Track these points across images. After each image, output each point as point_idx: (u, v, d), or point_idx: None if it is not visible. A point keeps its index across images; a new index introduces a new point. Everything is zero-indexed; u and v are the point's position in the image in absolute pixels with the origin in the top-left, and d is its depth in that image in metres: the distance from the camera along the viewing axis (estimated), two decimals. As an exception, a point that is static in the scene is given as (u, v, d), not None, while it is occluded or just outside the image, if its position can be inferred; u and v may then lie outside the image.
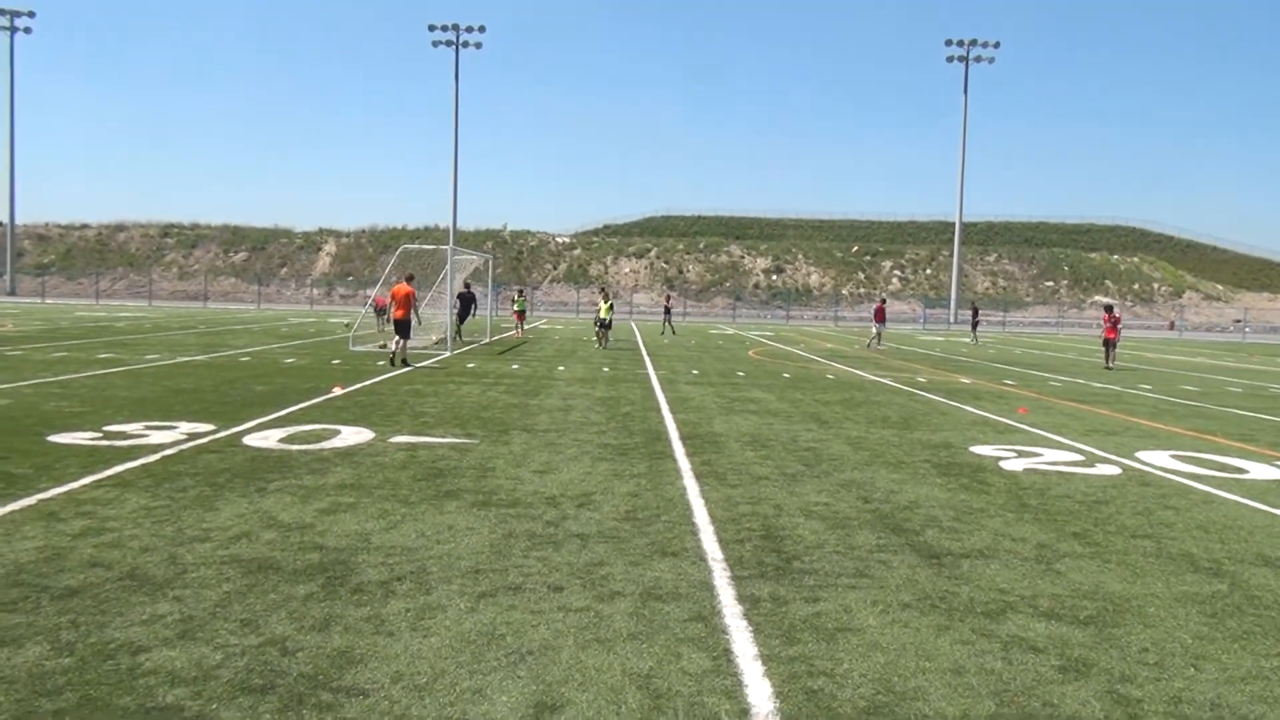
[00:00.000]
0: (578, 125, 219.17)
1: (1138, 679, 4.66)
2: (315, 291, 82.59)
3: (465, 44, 73.01)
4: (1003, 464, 10.63)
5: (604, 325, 30.63)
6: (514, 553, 6.48)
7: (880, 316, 37.19)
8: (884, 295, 53.10)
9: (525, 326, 37.32)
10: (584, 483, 8.88)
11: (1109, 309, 29.31)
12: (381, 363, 21.23)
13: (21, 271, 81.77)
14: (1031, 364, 29.32)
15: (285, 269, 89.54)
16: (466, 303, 31.60)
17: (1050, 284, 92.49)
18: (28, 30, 74.42)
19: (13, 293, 76.47)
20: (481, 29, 72.73)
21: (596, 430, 12.18)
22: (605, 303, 31.14)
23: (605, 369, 22.00)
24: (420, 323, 25.53)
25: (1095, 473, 10.30)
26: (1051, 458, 11.18)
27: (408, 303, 21.00)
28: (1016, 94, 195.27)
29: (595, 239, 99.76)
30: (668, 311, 44.67)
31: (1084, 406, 17.13)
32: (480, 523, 7.26)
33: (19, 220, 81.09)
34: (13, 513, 7.08)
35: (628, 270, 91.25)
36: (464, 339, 31.01)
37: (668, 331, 42.26)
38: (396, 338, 20.95)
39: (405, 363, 20.82)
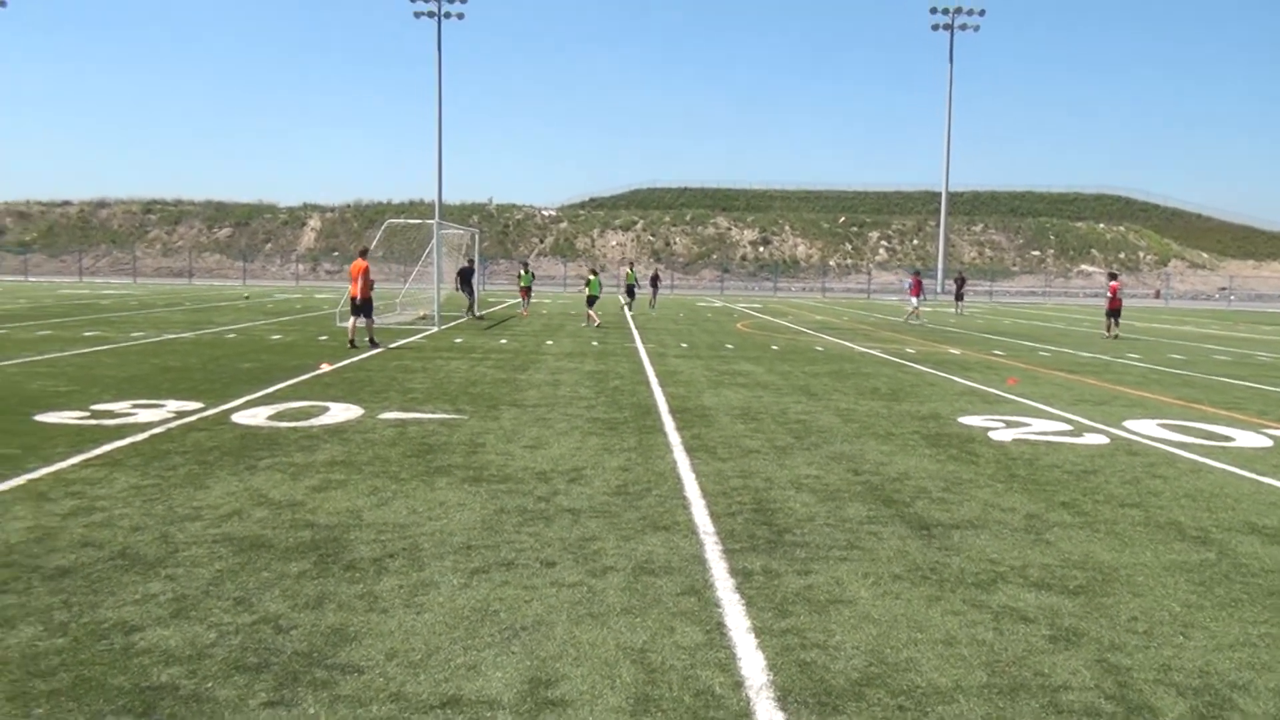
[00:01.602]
0: (563, 98, 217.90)
1: (1127, 648, 4.70)
2: (300, 267, 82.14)
3: (447, 15, 72.34)
4: (992, 434, 10.67)
5: (594, 300, 29.56)
6: (506, 528, 6.48)
7: (917, 290, 35.83)
8: (918, 268, 50.66)
9: (530, 303, 35.60)
10: (574, 458, 8.88)
11: (1114, 276, 29.06)
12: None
13: (3, 249, 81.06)
14: (1019, 334, 29.42)
15: (270, 245, 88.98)
16: (467, 277, 30.90)
17: (1037, 253, 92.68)
18: (3, 4, 73.30)
19: (-5, 271, 75.80)
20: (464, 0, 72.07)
21: (586, 405, 12.17)
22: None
23: (594, 343, 21.97)
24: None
25: (1083, 442, 10.35)
26: (1040, 428, 11.23)
27: (364, 279, 19.07)
28: (1002, 62, 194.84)
29: (582, 212, 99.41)
30: (655, 283, 43.76)
31: (1072, 376, 17.20)
32: (471, 499, 7.26)
33: None
34: (1, 493, 7.04)
35: (615, 243, 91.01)
36: (477, 315, 30.22)
37: (644, 304, 40.43)
38: (352, 318, 19.39)
39: (374, 343, 19.33)
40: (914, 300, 35.65)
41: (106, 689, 3.97)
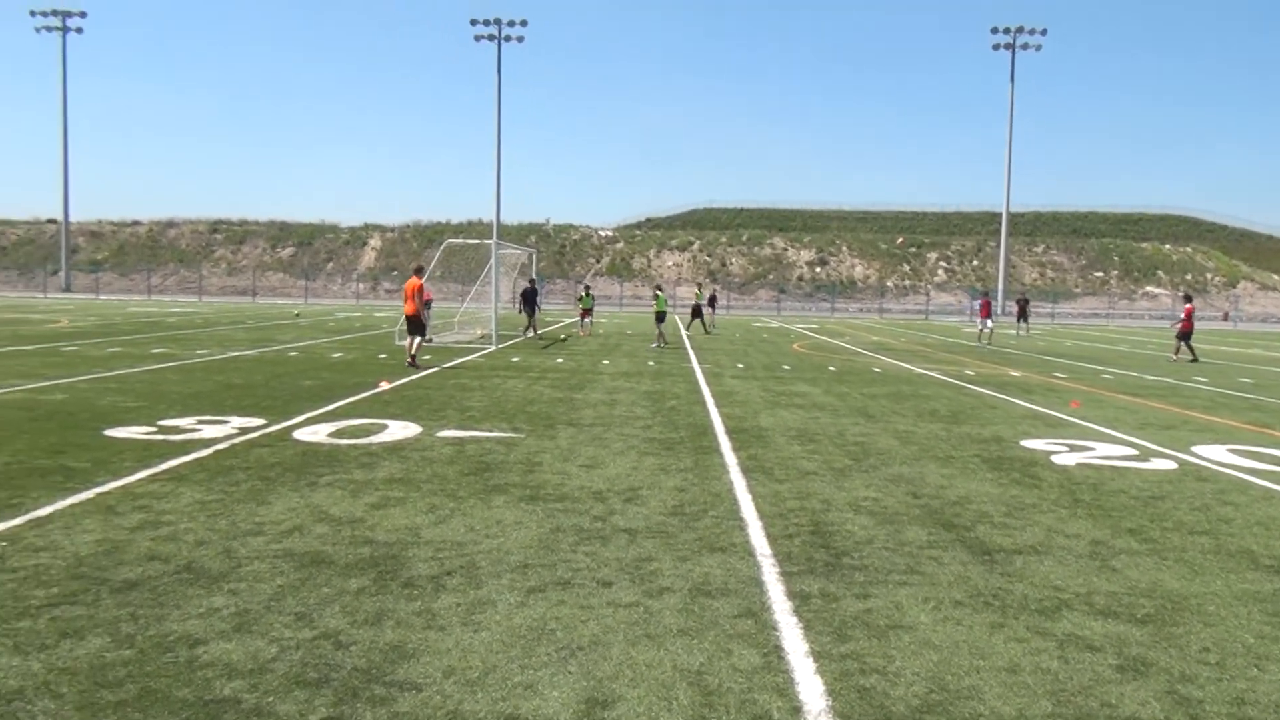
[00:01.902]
0: (620, 118, 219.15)
1: (1199, 679, 4.57)
2: (361, 286, 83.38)
3: (507, 38, 73.26)
4: (1055, 458, 10.47)
5: (663, 317, 29.08)
6: (562, 547, 6.49)
7: (986, 311, 34.46)
8: (987, 289, 48.17)
9: (589, 324, 34.33)
10: (631, 477, 8.88)
11: (1189, 299, 28.23)
12: (428, 356, 21.38)
13: (76, 268, 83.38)
14: (1082, 356, 28.89)
15: (331, 264, 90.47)
16: (530, 298, 30.58)
17: (1100, 274, 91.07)
18: (79, 30, 75.72)
19: (68, 289, 78.02)
20: (523, 23, 72.95)
21: (642, 424, 12.17)
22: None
23: (650, 363, 21.99)
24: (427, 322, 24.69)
25: (1150, 467, 10.12)
26: (1105, 452, 11.00)
27: (417, 297, 19.26)
28: (1064, 81, 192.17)
29: (638, 232, 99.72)
30: (712, 304, 42.71)
31: (1138, 400, 16.84)
32: (528, 517, 7.28)
33: (73, 218, 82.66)
34: (72, 506, 7.22)
35: (670, 263, 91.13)
36: (536, 334, 30.21)
37: (701, 326, 38.80)
38: (411, 337, 19.33)
39: (413, 362, 18.97)
40: (984, 322, 34.51)
41: (171, 701, 4.04)
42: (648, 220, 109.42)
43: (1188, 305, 27.55)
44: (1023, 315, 44.69)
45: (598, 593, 5.57)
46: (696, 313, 36.01)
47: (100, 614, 5.00)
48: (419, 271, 20.15)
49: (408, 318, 19.50)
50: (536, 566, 6.04)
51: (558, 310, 59.34)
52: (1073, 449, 11.14)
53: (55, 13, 74.62)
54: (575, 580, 5.79)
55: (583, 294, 34.69)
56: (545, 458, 9.73)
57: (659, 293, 29.10)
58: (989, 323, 34.41)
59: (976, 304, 36.53)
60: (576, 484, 8.52)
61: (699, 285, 36.56)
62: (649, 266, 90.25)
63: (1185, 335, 27.24)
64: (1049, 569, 6.33)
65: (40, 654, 4.47)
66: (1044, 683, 4.48)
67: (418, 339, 19.43)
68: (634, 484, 8.58)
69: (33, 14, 74.36)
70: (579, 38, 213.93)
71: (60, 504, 7.27)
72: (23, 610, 5.02)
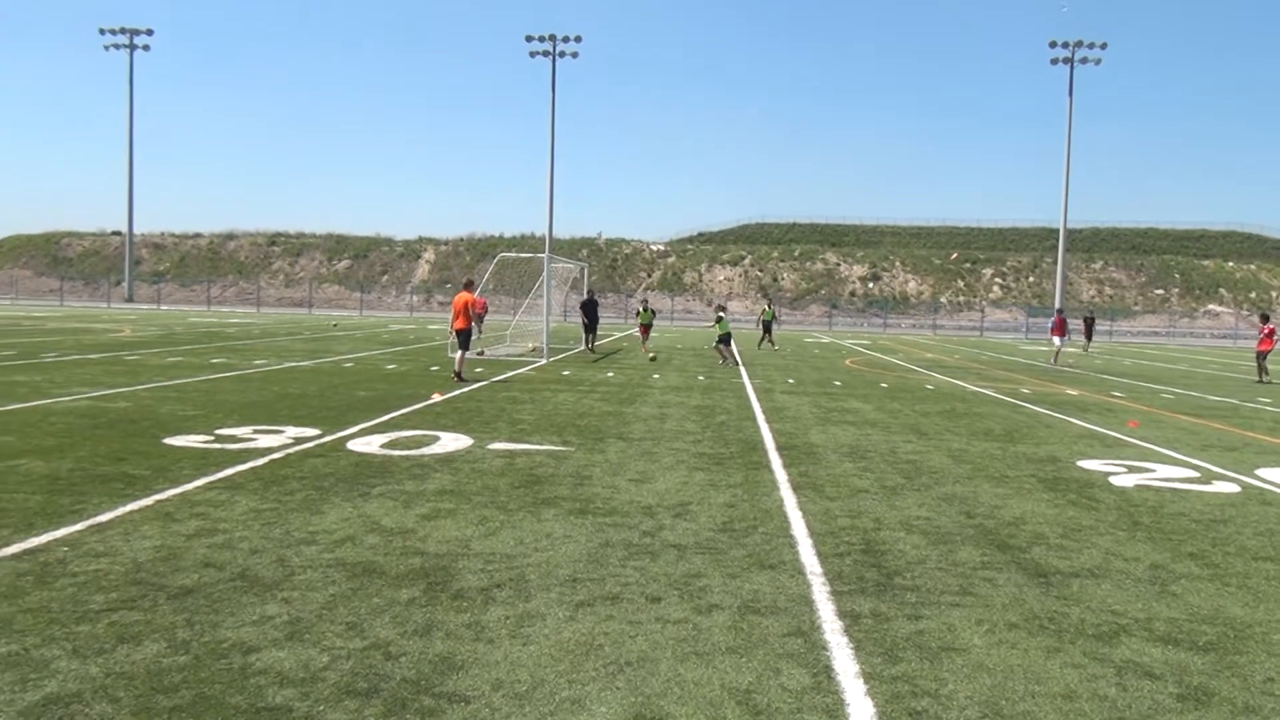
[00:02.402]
0: (672, 133, 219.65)
1: (1263, 710, 4.44)
2: (415, 298, 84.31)
3: (562, 54, 73.75)
4: (1112, 479, 10.27)
5: (728, 338, 27.47)
6: (611, 562, 6.48)
7: (1059, 329, 32.65)
8: (1060, 306, 45.27)
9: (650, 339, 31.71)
10: (680, 492, 8.85)
11: (1265, 318, 27.33)
12: (480, 369, 21.54)
13: (139, 279, 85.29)
14: (1141, 375, 28.34)
15: (386, 276, 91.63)
16: (591, 312, 29.90)
17: (1160, 292, 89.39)
18: (145, 48, 77.59)
19: (131, 299, 79.83)
20: (578, 39, 73.41)
21: (692, 439, 12.14)
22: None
23: (700, 378, 21.95)
24: (480, 333, 24.74)
25: (1212, 490, 9.88)
26: (1165, 474, 10.76)
27: (468, 312, 19.36)
28: (1124, 95, 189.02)
29: (689, 246, 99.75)
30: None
31: (1199, 420, 16.47)
32: (577, 531, 7.29)
33: (136, 230, 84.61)
34: (132, 512, 7.36)
35: (722, 278, 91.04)
36: (593, 350, 29.68)
37: (769, 342, 38.15)
38: (460, 351, 19.37)
39: (460, 377, 18.94)
40: (1056, 340, 32.87)
41: (224, 708, 4.09)
42: (699, 235, 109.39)
43: (1267, 325, 26.63)
44: (1089, 333, 43.82)
45: (646, 608, 5.55)
46: (767, 329, 36.15)
47: (157, 620, 5.09)
48: (469, 286, 20.14)
49: (457, 332, 19.42)
50: (585, 580, 6.04)
51: (607, 323, 59.46)
52: (1131, 470, 10.92)
53: (123, 30, 76.57)
54: (624, 595, 5.78)
55: (640, 308, 31.42)
56: (595, 471, 9.74)
57: (722, 315, 27.55)
58: (1059, 340, 32.79)
59: (1050, 322, 34.52)
60: (626, 498, 8.51)
61: (768, 302, 36.17)
62: (700, 281, 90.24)
63: (1263, 355, 26.64)
64: (1107, 593, 6.20)
65: (98, 658, 4.55)
66: (1101, 710, 4.38)
67: (463, 354, 19.39)
68: (684, 499, 8.56)
69: (101, 32, 76.46)
70: (632, 52, 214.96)
71: (120, 510, 7.41)
72: (82, 614, 5.12)
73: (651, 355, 28.50)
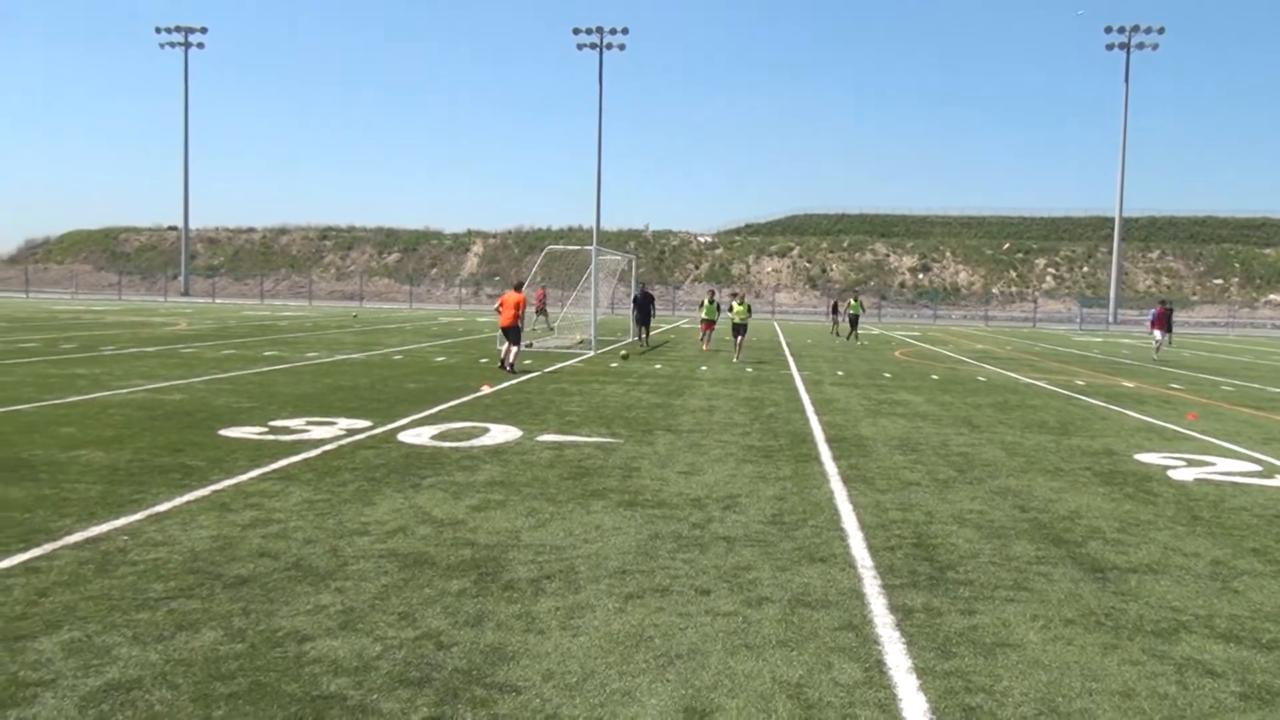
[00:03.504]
0: (719, 124, 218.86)
1: (1330, 710, 4.32)
2: (464, 291, 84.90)
3: (609, 46, 73.74)
4: (1171, 473, 10.07)
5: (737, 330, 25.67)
6: (660, 554, 6.48)
7: (1160, 323, 30.01)
8: (1164, 298, 41.40)
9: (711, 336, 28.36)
10: (729, 485, 8.83)
11: None
12: (529, 361, 21.65)
13: (194, 273, 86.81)
14: (1199, 367, 27.77)
15: (435, 269, 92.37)
16: (645, 305, 29.31)
17: (1219, 282, 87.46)
18: (200, 46, 78.78)
19: (186, 293, 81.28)
20: (624, 31, 73.33)
21: (741, 431, 12.10)
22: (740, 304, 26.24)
23: (748, 370, 21.87)
24: (550, 325, 25.34)
25: (1275, 485, 9.66)
26: (1225, 467, 10.53)
27: (517, 309, 20.05)
28: (1182, 81, 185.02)
29: (737, 238, 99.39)
30: (835, 310, 44.09)
31: (1260, 413, 16.10)
32: (626, 523, 7.29)
33: (192, 225, 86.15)
34: (189, 503, 7.49)
35: (770, 269, 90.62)
36: (645, 344, 29.15)
37: (844, 335, 37.69)
38: (507, 344, 19.98)
39: (510, 368, 19.66)
40: (1157, 334, 30.22)
41: (280, 695, 4.14)
42: (747, 226, 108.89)
43: None
44: (1168, 325, 42.41)
45: (696, 600, 5.54)
46: (854, 323, 36.05)
47: (214, 608, 5.17)
48: (519, 286, 20.90)
49: (504, 329, 20.03)
50: (635, 572, 6.04)
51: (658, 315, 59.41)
52: (1190, 464, 10.70)
53: (178, 29, 77.82)
54: (674, 587, 5.77)
55: (705, 300, 28.66)
56: (643, 463, 9.74)
57: (738, 304, 26.04)
58: (1160, 335, 30.06)
59: (1150, 314, 31.79)
60: (674, 490, 8.50)
61: (854, 296, 35.87)
62: (748, 272, 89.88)
63: None
64: (1166, 589, 6.08)
65: (158, 645, 4.64)
66: (1161, 708, 4.29)
67: (515, 347, 19.95)
68: (732, 491, 8.53)
69: (158, 30, 77.80)
70: (678, 43, 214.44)
71: (178, 500, 7.55)
72: (142, 602, 5.22)
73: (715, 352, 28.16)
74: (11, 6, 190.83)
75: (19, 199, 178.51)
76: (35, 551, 6.09)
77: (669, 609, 5.38)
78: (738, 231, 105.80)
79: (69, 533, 6.54)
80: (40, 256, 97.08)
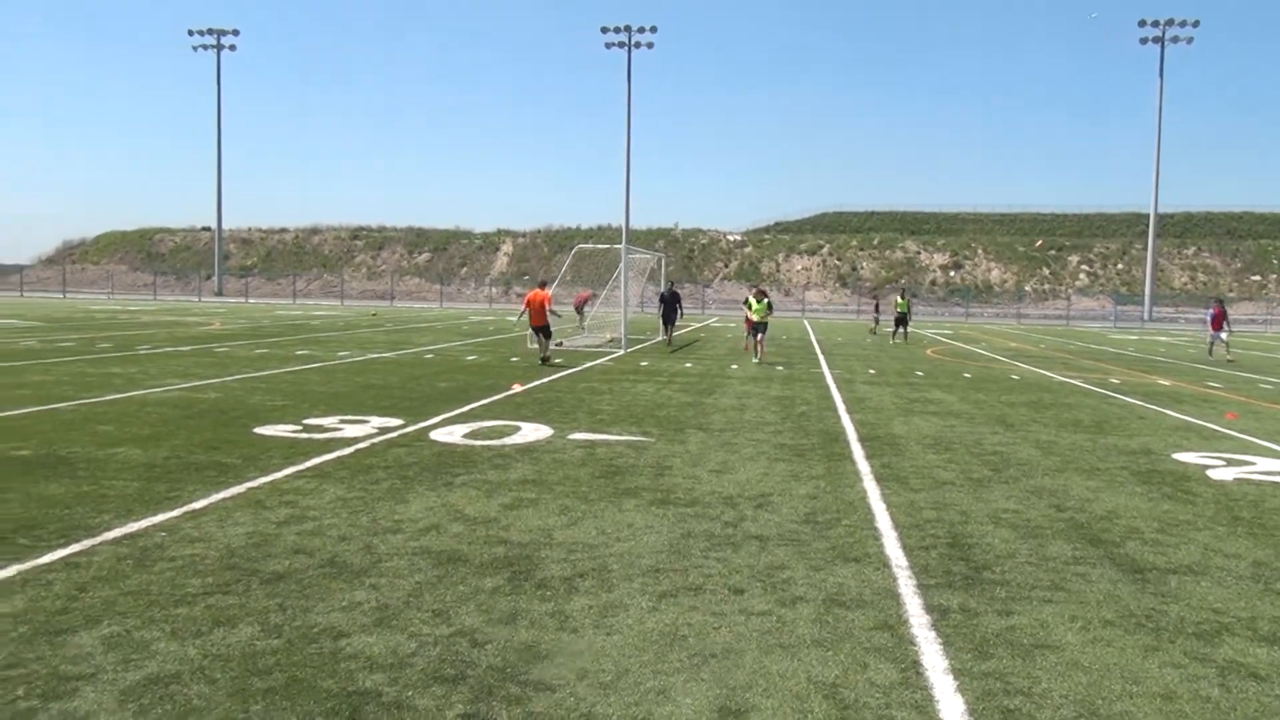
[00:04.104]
0: (749, 122, 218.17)
1: (1379, 714, 4.24)
2: (494, 290, 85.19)
3: (637, 44, 73.63)
4: (1210, 473, 9.93)
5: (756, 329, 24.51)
6: (693, 553, 6.46)
7: (1218, 323, 29.43)
8: (1220, 297, 39.94)
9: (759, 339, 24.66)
10: (761, 483, 8.79)
11: None
12: (558, 360, 21.70)
13: (228, 273, 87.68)
14: (1239, 364, 27.36)
15: (465, 268, 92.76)
16: (671, 304, 28.89)
17: (1257, 278, 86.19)
18: (232, 48, 79.48)
19: (220, 293, 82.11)
20: (653, 29, 73.20)
21: (772, 430, 12.05)
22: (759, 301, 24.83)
23: (779, 368, 21.79)
24: (584, 325, 26.01)
25: (1317, 484, 9.49)
26: (1266, 467, 10.37)
27: (543, 308, 21.38)
28: (1217, 74, 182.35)
29: (766, 236, 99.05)
30: (878, 309, 43.59)
31: (1300, 412, 15.84)
32: (659, 521, 7.28)
33: (225, 225, 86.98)
34: (225, 500, 7.56)
35: (800, 268, 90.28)
36: (670, 343, 28.83)
37: (891, 333, 37.01)
38: (540, 338, 21.60)
39: (545, 360, 21.21)
40: (1211, 335, 29.98)
41: (316, 691, 4.17)
42: (776, 224, 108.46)
43: None
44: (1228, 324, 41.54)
45: (730, 600, 5.52)
46: (901, 322, 35.51)
47: (251, 604, 5.21)
48: (544, 285, 22.01)
49: (534, 328, 21.50)
50: (668, 571, 6.03)
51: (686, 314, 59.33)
52: (1230, 463, 10.54)
53: (211, 31, 78.56)
54: (707, 586, 5.75)
55: (750, 299, 25.51)
56: (675, 462, 9.72)
57: (757, 302, 24.80)
58: (1222, 334, 29.39)
59: (1208, 314, 30.86)
60: (707, 489, 8.48)
61: (901, 293, 35.21)
62: (778, 271, 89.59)
63: None
64: (1207, 590, 5.99)
65: (196, 640, 4.67)
66: (1204, 712, 4.23)
67: (549, 342, 21.44)
68: (765, 490, 8.50)
69: (190, 33, 78.57)
70: (707, 42, 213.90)
71: (214, 497, 7.62)
72: (180, 598, 5.27)
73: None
74: (50, 10, 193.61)
75: (56, 202, 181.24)
76: (75, 547, 6.16)
77: (702, 608, 5.36)
78: (767, 230, 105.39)
79: (108, 529, 6.61)
80: (77, 257, 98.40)
